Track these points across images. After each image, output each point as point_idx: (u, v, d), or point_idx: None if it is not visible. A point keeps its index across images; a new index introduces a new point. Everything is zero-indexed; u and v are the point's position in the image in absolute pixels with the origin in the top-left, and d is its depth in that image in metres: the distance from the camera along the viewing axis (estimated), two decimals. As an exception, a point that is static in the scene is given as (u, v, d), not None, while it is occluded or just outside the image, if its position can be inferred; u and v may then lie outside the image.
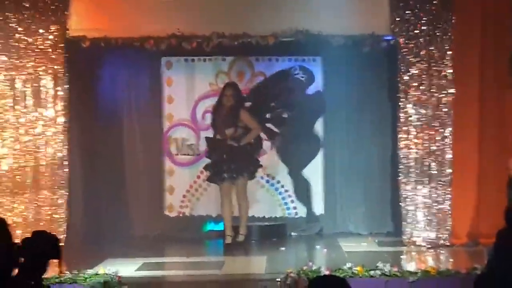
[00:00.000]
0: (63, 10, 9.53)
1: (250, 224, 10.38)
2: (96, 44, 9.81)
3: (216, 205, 10.31)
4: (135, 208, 10.60)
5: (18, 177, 9.45)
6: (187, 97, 10.68)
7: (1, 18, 9.39)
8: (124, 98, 10.66)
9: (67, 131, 9.60)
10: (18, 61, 9.44)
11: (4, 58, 9.43)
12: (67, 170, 9.61)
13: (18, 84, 9.43)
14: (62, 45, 9.53)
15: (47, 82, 9.51)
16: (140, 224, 10.62)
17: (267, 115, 10.60)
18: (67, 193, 9.63)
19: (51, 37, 9.50)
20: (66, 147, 9.59)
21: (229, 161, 9.60)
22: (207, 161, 10.13)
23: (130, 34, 9.76)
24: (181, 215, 10.72)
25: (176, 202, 10.70)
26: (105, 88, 10.62)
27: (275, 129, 10.64)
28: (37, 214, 9.47)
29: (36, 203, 9.48)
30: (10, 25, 9.40)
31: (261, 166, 10.05)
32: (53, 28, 9.50)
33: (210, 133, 10.53)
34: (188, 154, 10.63)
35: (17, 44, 9.44)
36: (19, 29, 9.42)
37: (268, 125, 10.58)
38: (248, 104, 10.22)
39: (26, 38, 9.45)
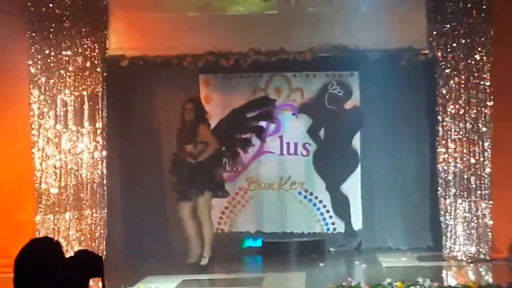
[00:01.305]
0: (102, 29, 9.64)
1: (289, 240, 10.40)
2: (134, 63, 9.90)
3: (255, 221, 10.32)
4: (174, 225, 10.63)
5: (58, 195, 9.55)
6: (224, 114, 10.69)
7: (41, 38, 9.52)
8: (162, 116, 10.72)
9: (106, 149, 9.69)
10: (58, 81, 9.57)
11: (44, 78, 9.55)
12: (106, 188, 9.69)
13: (59, 104, 9.55)
14: (101, 64, 9.63)
15: (86, 101, 9.61)
16: (179, 241, 10.64)
17: (237, 136, 10.51)
18: (107, 211, 9.70)
19: (90, 56, 9.61)
20: (105, 165, 9.67)
21: (191, 179, 9.42)
22: (246, 176, 10.16)
23: (168, 52, 9.83)
24: (219, 231, 10.73)
25: (215, 219, 10.68)
26: (143, 106, 10.70)
27: (239, 150, 10.51)
28: (78, 232, 9.55)
29: (77, 221, 9.57)
30: (50, 45, 9.53)
31: (223, 185, 9.79)
32: (92, 47, 9.61)
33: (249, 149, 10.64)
34: (227, 171, 10.64)
35: (57, 63, 9.57)
36: (59, 48, 9.55)
37: (234, 143, 10.46)
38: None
39: (65, 57, 9.58)
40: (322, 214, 10.72)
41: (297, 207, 10.70)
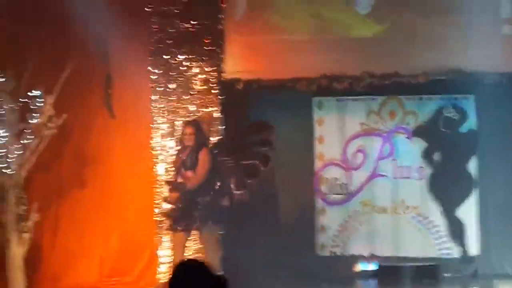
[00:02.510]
0: (218, 53, 9.91)
1: (403, 264, 10.30)
2: (249, 86, 10.08)
3: (368, 244, 10.26)
4: (287, 247, 10.68)
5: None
6: (338, 136, 10.74)
7: (161, 62, 9.86)
8: (276, 138, 10.81)
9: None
10: (176, 104, 9.88)
11: (164, 100, 9.87)
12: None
13: (178, 126, 9.82)
14: (218, 87, 9.87)
15: (203, 123, 9.84)
16: (292, 263, 10.67)
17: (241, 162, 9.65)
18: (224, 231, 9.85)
19: (207, 79, 9.89)
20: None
21: (191, 207, 8.94)
22: (359, 199, 10.13)
23: (282, 76, 9.98)
24: (333, 254, 10.73)
25: (328, 242, 10.72)
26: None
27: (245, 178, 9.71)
28: (196, 251, 9.74)
29: (192, 239, 9.77)
30: (169, 68, 9.85)
31: (224, 218, 9.27)
32: (209, 71, 9.89)
33: (361, 173, 10.62)
34: (340, 194, 10.67)
35: (175, 87, 9.88)
36: (178, 72, 9.86)
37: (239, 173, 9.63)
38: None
39: (183, 81, 9.88)
40: (437, 238, 10.57)
41: (411, 231, 10.57)
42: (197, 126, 9.09)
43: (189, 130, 8.99)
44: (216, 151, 9.25)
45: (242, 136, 9.84)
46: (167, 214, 9.13)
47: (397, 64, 9.89)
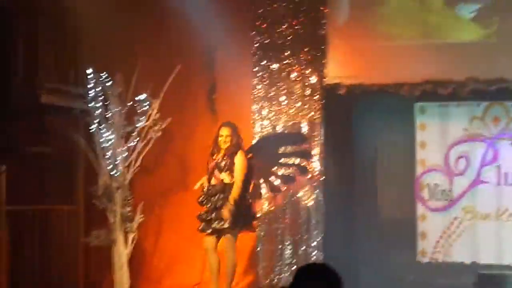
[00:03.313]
0: (320, 58, 9.94)
1: (506, 272, 10.11)
2: (351, 91, 10.06)
3: (470, 251, 10.12)
4: (388, 253, 10.63)
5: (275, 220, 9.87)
6: (440, 142, 10.61)
7: (263, 68, 9.96)
8: (377, 143, 10.80)
9: (323, 174, 9.89)
10: (278, 109, 9.96)
11: (265, 106, 9.96)
12: (323, 211, 9.90)
13: (279, 131, 9.91)
14: (320, 92, 9.90)
15: (305, 128, 9.92)
16: (392, 269, 10.61)
17: (275, 168, 9.48)
18: (323, 236, 9.88)
19: (308, 84, 9.93)
20: (322, 190, 9.87)
21: (222, 211, 8.70)
22: (461, 206, 10.02)
23: (385, 81, 9.93)
24: (433, 261, 10.61)
25: (429, 248, 10.60)
26: (359, 134, 10.82)
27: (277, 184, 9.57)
28: (294, 255, 9.80)
29: (293, 244, 9.83)
30: (271, 73, 9.94)
31: (256, 218, 9.17)
32: (311, 76, 9.93)
33: (464, 179, 10.48)
34: (441, 200, 10.55)
35: (277, 92, 9.96)
36: (279, 77, 9.95)
37: (272, 179, 9.52)
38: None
39: (285, 86, 9.95)
40: (540, 245, 10.35)
41: (512, 237, 10.40)
42: (233, 128, 8.94)
43: (225, 132, 8.85)
44: (250, 155, 9.08)
45: (277, 144, 9.59)
46: (199, 217, 8.94)
47: (503, 69, 9.70)
